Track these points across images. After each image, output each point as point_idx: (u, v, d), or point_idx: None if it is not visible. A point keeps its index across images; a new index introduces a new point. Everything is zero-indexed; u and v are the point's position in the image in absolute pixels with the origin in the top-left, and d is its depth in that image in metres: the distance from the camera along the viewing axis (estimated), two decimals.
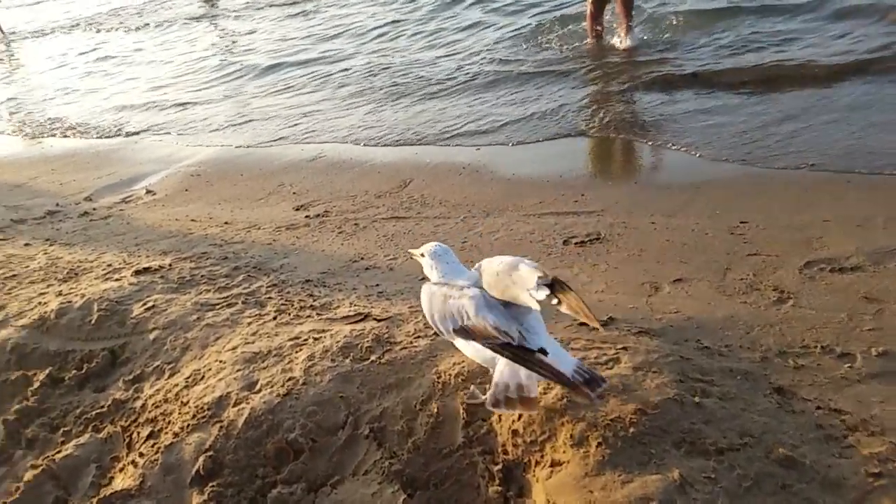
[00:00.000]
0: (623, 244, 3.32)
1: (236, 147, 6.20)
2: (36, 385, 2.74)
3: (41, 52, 14.74)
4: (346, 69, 8.07)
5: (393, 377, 2.30)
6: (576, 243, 3.39)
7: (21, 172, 6.30)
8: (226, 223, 4.33)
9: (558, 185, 4.22)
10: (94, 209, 4.94)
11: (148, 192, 5.26)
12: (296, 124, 6.54)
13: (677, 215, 3.57)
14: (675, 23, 7.05)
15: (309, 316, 2.83)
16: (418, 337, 2.51)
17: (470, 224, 3.85)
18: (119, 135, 7.23)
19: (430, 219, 4.02)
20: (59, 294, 3.32)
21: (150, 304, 3.05)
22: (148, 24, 14.58)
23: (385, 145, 5.59)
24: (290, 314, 2.87)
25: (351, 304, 2.91)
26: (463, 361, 2.27)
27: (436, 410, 2.14)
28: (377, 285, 3.14)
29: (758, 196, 3.71)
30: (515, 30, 8.17)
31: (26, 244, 4.27)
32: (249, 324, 2.81)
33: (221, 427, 2.22)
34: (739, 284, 2.85)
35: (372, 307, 2.83)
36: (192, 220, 4.46)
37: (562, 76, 6.37)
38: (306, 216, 4.29)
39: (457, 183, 4.60)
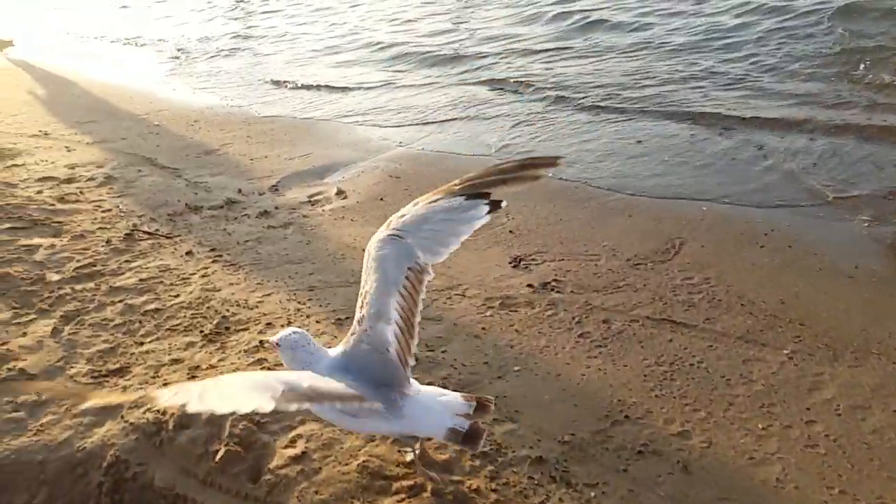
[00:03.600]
0: None
1: (444, 148, 5.08)
2: None
3: None
4: (593, 74, 6.52)
5: None
6: None
7: (218, 133, 5.73)
8: (433, 283, 3.19)
9: None
10: (276, 208, 4.08)
11: (338, 192, 4.31)
12: (516, 130, 5.25)
13: None
14: None
15: None
16: None
17: (810, 375, 2.29)
18: (321, 109, 6.46)
19: (731, 339, 2.52)
20: (193, 374, 2.40)
21: (299, 448, 1.98)
22: None
23: (638, 191, 4.10)
24: None
25: None
26: None
27: None
28: None
29: None
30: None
31: (188, 252, 3.48)
32: None
33: None
34: None
35: None
36: None
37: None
38: (529, 286, 3.00)
39: (760, 263, 3.04)
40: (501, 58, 7.45)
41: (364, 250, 3.47)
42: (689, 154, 4.48)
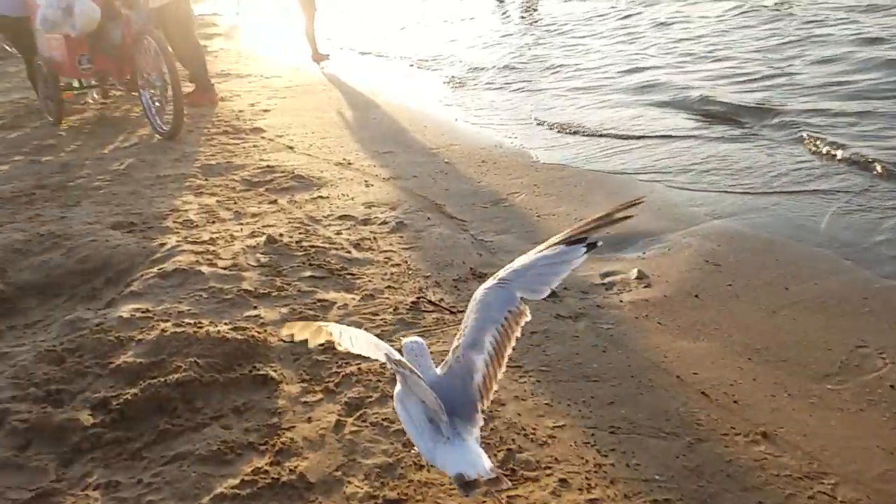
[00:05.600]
0: None
1: (773, 230, 4.11)
2: None
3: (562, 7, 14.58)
4: None
5: None
6: None
7: (506, 178, 5.45)
8: (782, 460, 2.39)
9: None
10: (566, 289, 3.57)
11: (640, 276, 3.66)
12: (861, 217, 4.06)
13: None
14: None
15: None
16: None
17: None
18: (612, 159, 5.81)
19: None
20: None
21: None
22: None
23: None
24: None
25: None
26: None
27: None
28: None
29: None
30: None
31: None
32: None
33: None
34: None
35: None
36: (707, 396, 2.66)
37: None
38: None
39: None
40: (830, 114, 6.02)
41: (678, 376, 2.82)
42: None
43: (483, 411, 1.94)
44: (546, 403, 2.65)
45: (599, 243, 2.02)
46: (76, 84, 8.18)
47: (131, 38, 7.03)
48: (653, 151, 5.76)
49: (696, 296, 3.42)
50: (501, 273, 2.07)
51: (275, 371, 2.92)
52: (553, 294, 3.51)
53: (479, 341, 1.94)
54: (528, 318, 2.00)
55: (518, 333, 1.98)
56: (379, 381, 2.82)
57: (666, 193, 4.83)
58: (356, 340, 1.80)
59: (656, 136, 6.15)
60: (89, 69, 7.54)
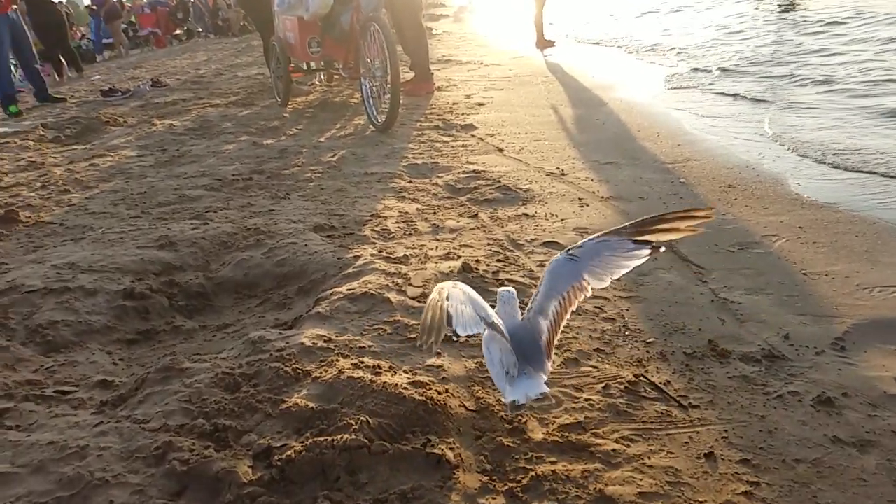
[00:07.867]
0: None
1: None
2: None
3: None
4: None
5: None
6: None
7: (760, 213, 4.40)
8: None
9: None
10: (845, 395, 2.59)
11: None
12: None
13: None
14: None
15: None
16: None
17: None
18: None
19: None
20: None
21: None
22: None
23: None
24: None
25: None
26: None
27: None
28: None
29: None
30: None
31: (709, 454, 2.35)
32: None
33: None
34: None
35: None
36: None
37: None
38: None
39: None
40: None
41: None
42: None
43: (547, 364, 2.25)
44: None
45: (662, 249, 2.14)
46: (304, 66, 8.51)
47: (359, 25, 7.02)
48: None
49: None
50: (574, 249, 2.27)
51: (451, 449, 2.41)
52: (828, 403, 2.57)
53: (545, 308, 2.24)
54: (589, 294, 2.24)
55: (575, 307, 2.27)
56: (578, 495, 2.18)
57: None
58: (461, 309, 1.95)
59: None
60: (318, 52, 7.73)
